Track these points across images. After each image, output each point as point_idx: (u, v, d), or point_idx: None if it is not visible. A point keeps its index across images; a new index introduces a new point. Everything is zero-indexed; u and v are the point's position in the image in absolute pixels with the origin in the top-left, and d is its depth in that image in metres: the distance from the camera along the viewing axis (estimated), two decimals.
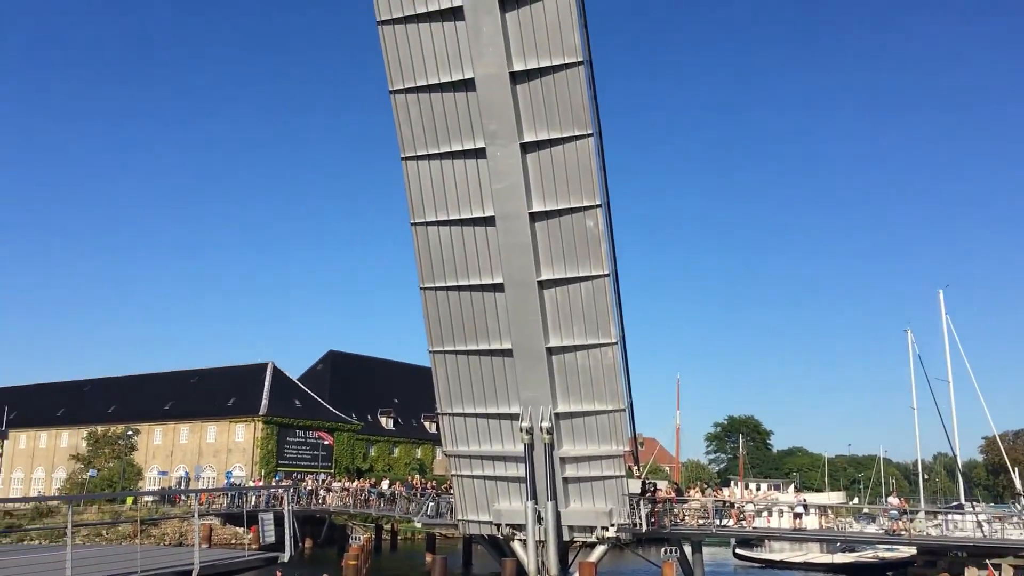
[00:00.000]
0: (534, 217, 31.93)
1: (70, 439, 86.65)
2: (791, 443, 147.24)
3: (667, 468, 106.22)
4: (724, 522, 39.58)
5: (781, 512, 41.03)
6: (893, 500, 45.71)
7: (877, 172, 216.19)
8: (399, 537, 63.95)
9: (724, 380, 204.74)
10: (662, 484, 46.06)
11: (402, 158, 32.72)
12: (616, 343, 32.74)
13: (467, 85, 30.89)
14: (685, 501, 41.23)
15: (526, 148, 31.23)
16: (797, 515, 39.74)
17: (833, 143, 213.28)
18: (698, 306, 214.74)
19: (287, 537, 15.77)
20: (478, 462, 35.92)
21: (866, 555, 48.57)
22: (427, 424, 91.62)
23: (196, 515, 16.48)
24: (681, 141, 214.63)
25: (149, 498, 61.90)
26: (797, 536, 42.23)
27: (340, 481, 59.06)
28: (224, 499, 55.38)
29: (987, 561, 35.47)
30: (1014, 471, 57.83)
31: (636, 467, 42.56)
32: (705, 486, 51.99)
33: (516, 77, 30.37)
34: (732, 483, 79.53)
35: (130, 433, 73.89)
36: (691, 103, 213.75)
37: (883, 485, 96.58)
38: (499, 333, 33.61)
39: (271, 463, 74.10)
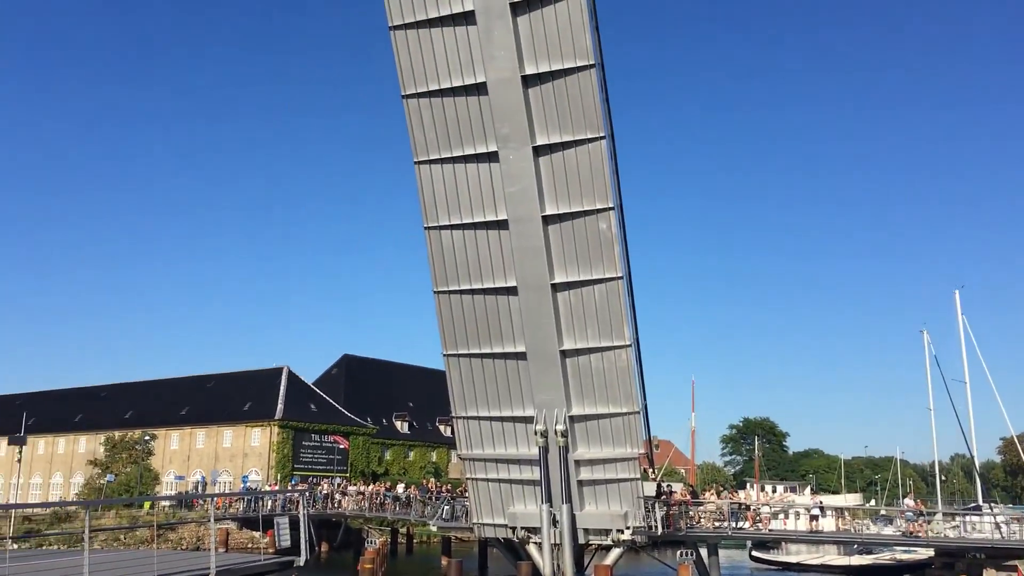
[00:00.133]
0: (547, 220, 31.93)
1: (88, 444, 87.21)
2: (807, 445, 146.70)
3: (682, 470, 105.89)
4: (740, 524, 39.47)
5: (797, 514, 40.89)
6: (908, 502, 45.48)
7: (891, 172, 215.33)
8: (415, 541, 63.97)
9: (739, 382, 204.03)
10: (677, 486, 45.99)
11: (415, 162, 32.80)
12: (630, 345, 32.70)
13: (479, 89, 30.94)
14: (701, 503, 41.12)
15: (538, 151, 31.25)
16: (813, 517, 39.58)
17: (844, 142, 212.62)
18: (713, 308, 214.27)
19: (303, 541, 15.88)
20: (493, 465, 35.93)
21: (883, 557, 48.31)
22: (442, 427, 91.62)
23: (212, 519, 16.61)
24: (681, 140, 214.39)
25: (166, 503, 62.19)
26: (814, 538, 42.08)
27: (355, 485, 59.19)
28: (240, 503, 55.57)
29: (1012, 563, 35.25)
30: None
31: (651, 469, 42.52)
32: (721, 488, 51.75)
33: (528, 80, 30.40)
34: (748, 485, 79.25)
35: (147, 438, 74.41)
36: (694, 102, 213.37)
37: (900, 487, 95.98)
38: (513, 336, 33.63)
39: (287, 467, 74.32)
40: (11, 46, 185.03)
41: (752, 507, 41.74)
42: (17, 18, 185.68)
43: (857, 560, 48.40)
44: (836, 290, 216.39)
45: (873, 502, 78.98)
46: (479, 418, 35.34)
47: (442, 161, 32.40)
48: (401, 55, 31.25)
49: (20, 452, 68.68)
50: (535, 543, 34.95)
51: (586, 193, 31.45)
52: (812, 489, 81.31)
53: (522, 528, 35.48)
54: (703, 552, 39.79)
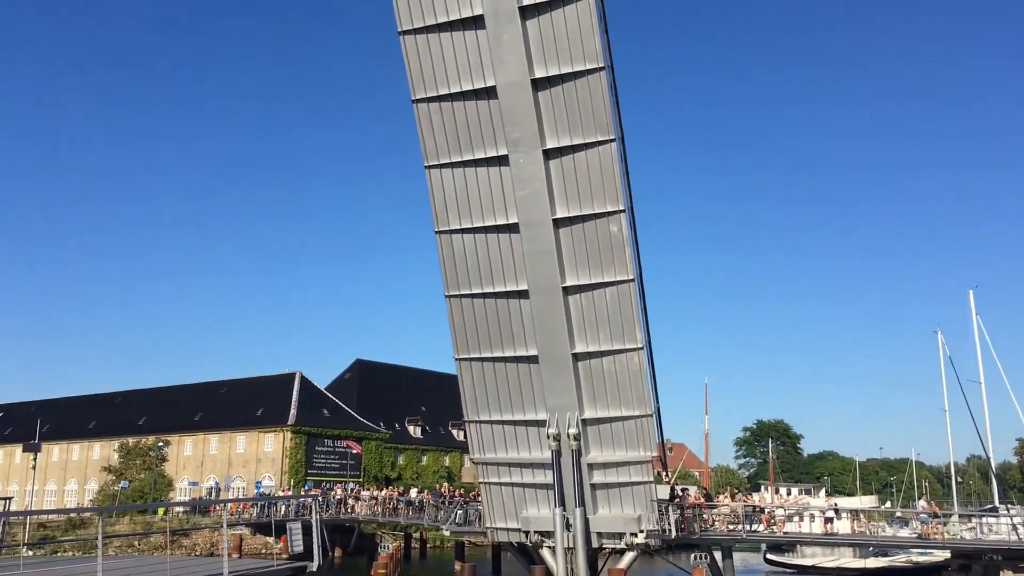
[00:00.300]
0: (558, 223, 31.87)
1: (102, 451, 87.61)
2: (822, 447, 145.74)
3: (696, 473, 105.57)
4: (754, 527, 39.26)
5: (812, 517, 40.63)
6: (922, 503, 45.19)
7: (906, 172, 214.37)
8: (428, 545, 63.95)
9: (753, 384, 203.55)
10: (691, 489, 45.80)
11: (426, 167, 32.80)
12: (642, 348, 32.60)
13: (489, 93, 30.91)
14: (715, 506, 40.94)
15: (549, 154, 31.21)
16: (828, 520, 39.34)
17: (857, 141, 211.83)
18: (726, 310, 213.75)
19: (315, 546, 15.84)
20: (506, 469, 35.86)
21: (899, 559, 47.99)
22: (455, 432, 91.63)
23: (226, 525, 16.58)
24: (682, 139, 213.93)
25: (180, 509, 62.36)
26: (829, 541, 41.79)
27: (369, 490, 59.21)
28: (254, 509, 55.67)
29: None
30: None
31: (665, 472, 42.37)
32: (735, 491, 51.54)
33: (538, 84, 30.36)
34: (762, 488, 78.87)
35: (160, 444, 74.65)
36: (694, 103, 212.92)
37: (916, 488, 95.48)
38: (524, 340, 33.57)
39: (300, 472, 74.44)
40: (11, 47, 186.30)
41: (766, 510, 41.53)
42: (17, 19, 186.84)
43: (873, 563, 48.10)
44: (849, 291, 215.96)
45: (889, 504, 78.58)
46: (491, 422, 35.28)
47: (452, 165, 32.39)
48: (411, 60, 31.27)
49: (35, 459, 68.92)
50: (548, 547, 34.84)
51: (596, 196, 31.38)
52: (827, 491, 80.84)
53: (535, 532, 35.37)
54: (717, 555, 39.61)
